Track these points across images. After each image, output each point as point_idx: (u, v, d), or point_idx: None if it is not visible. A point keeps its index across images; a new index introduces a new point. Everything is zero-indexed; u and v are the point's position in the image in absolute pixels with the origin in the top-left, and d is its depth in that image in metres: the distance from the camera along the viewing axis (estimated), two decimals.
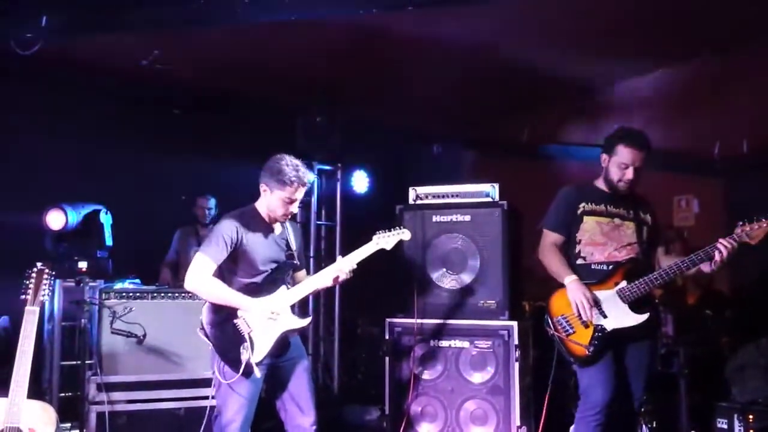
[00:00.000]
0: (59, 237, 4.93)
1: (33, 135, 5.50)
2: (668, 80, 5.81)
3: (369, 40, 5.21)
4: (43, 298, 3.23)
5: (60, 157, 5.51)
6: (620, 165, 3.43)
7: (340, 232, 6.23)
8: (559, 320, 3.39)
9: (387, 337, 4.41)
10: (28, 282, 3.24)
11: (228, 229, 3.26)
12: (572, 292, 3.33)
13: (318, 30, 5.02)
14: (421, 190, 4.62)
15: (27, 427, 3.04)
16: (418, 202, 4.60)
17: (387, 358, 4.39)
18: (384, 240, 3.47)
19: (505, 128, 7.10)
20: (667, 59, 5.63)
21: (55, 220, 4.91)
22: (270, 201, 3.32)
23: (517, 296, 4.48)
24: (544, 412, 3.63)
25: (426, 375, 4.31)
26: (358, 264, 3.40)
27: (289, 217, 3.40)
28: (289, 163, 3.28)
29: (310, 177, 3.35)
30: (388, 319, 4.44)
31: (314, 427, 3.34)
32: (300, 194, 3.31)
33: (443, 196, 4.56)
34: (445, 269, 4.42)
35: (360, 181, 6.39)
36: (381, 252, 3.49)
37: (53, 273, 3.31)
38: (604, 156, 3.50)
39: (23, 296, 3.20)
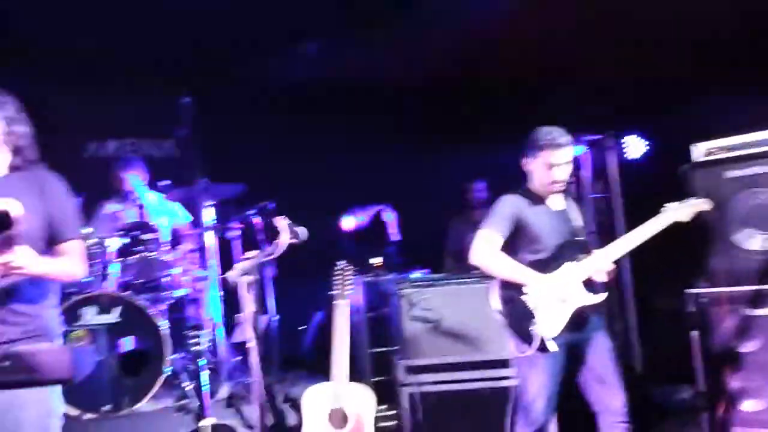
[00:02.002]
0: (353, 237, 5.48)
1: (320, 149, 6.13)
2: None
3: None
4: (349, 292, 3.56)
5: (345, 164, 6.06)
6: None
7: (619, 204, 5.90)
8: None
9: (691, 309, 4.07)
10: (335, 279, 3.59)
11: (506, 204, 3.29)
12: None
13: None
14: (709, 144, 4.18)
15: (351, 408, 3.37)
16: (706, 158, 4.17)
17: (693, 333, 4.05)
18: (677, 212, 3.22)
19: None
20: None
21: (349, 222, 5.50)
22: (534, 172, 3.28)
23: None
24: None
25: (742, 348, 3.89)
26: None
27: (560, 186, 3.30)
28: (542, 130, 3.26)
29: (565, 139, 3.23)
30: (689, 290, 4.09)
31: (624, 408, 3.20)
32: (558, 158, 3.21)
33: (737, 148, 4.07)
34: (750, 229, 3.95)
35: (635, 147, 5.96)
36: None
37: (355, 269, 3.64)
38: None
39: (333, 292, 3.55)
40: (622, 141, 5.98)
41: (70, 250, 2.47)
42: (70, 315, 4.05)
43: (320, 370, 4.13)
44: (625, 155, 5.99)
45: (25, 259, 2.23)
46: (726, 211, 4.00)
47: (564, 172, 3.27)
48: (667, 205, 3.26)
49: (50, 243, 2.44)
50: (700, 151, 4.20)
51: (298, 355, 5.32)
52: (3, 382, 1.94)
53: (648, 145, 5.93)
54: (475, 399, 3.94)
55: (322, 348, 5.08)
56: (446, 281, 4.22)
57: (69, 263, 2.46)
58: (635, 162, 5.98)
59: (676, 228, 3.31)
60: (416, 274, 4.51)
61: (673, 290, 4.27)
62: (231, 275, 2.58)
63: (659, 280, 5.55)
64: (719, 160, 4.10)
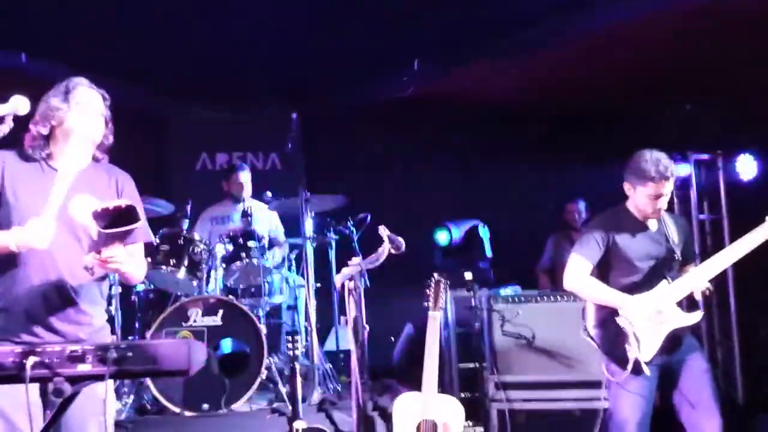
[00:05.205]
0: (446, 252, 5.51)
1: (418, 164, 6.24)
2: None
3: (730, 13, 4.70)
4: (441, 305, 3.61)
5: (441, 180, 6.13)
6: None
7: (728, 226, 5.63)
8: None
9: None
10: (428, 291, 3.65)
11: (598, 229, 3.26)
12: None
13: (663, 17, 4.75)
14: None
15: (441, 420, 3.39)
16: None
17: None
18: None
19: None
20: None
21: (442, 237, 5.54)
22: (636, 199, 3.23)
23: None
24: None
25: None
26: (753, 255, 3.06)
27: (661, 212, 3.23)
28: (649, 159, 3.15)
29: (674, 169, 3.16)
30: None
31: None
32: (666, 189, 3.15)
33: None
34: None
35: (746, 167, 5.68)
36: None
37: (448, 283, 3.68)
38: None
39: (426, 303, 3.61)
40: (733, 161, 5.72)
41: (135, 251, 2.44)
42: (180, 316, 4.30)
43: (409, 381, 4.18)
44: (735, 176, 5.72)
45: (123, 256, 2.22)
46: None
47: (665, 201, 3.22)
48: None
49: None
50: None
51: (387, 365, 5.39)
52: (124, 371, 1.89)
53: (759, 165, 5.63)
54: (565, 419, 3.88)
55: (411, 359, 5.16)
56: (539, 298, 4.18)
57: (141, 265, 2.48)
58: (745, 183, 5.70)
59: None
60: (508, 290, 4.48)
61: None
62: (337, 279, 2.70)
63: (765, 306, 5.25)
64: None
